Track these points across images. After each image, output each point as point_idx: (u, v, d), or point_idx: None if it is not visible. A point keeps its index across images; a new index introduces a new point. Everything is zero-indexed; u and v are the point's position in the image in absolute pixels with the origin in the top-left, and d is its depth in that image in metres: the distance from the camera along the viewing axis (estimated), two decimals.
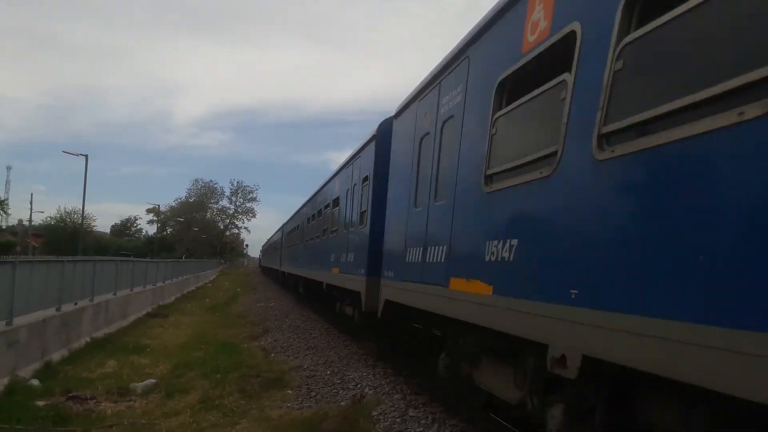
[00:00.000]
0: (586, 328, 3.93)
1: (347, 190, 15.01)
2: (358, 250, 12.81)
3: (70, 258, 15.65)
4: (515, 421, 7.33)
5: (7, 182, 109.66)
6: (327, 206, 18.81)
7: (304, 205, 26.80)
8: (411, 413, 8.69)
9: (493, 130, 5.83)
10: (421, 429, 8.00)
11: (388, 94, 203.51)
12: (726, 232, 2.91)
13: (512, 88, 5.68)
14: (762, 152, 2.69)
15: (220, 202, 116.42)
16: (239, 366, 12.24)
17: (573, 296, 4.10)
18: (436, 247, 7.22)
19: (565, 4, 4.80)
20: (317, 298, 22.54)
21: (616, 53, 3.88)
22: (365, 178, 12.73)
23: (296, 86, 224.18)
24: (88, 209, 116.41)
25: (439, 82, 8.04)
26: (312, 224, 22.56)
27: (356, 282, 12.42)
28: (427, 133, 8.09)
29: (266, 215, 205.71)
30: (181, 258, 68.48)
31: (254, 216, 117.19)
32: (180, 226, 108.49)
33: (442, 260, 6.89)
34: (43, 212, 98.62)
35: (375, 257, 10.97)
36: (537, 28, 5.16)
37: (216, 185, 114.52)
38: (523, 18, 5.44)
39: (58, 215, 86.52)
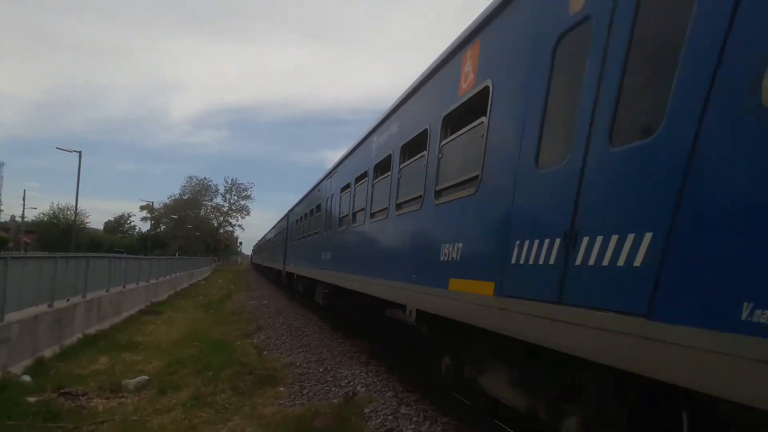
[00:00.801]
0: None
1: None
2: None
3: (62, 254, 15.59)
4: (522, 428, 6.81)
5: (0, 178, 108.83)
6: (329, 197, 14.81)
7: (307, 194, 20.30)
8: (403, 411, 8.72)
9: (440, 155, 7.27)
10: (413, 426, 8.03)
11: (386, 94, 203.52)
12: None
13: (453, 123, 6.94)
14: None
15: (215, 200, 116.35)
16: (232, 363, 12.23)
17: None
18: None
19: (483, 64, 6.18)
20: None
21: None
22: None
23: (293, 84, 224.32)
24: (82, 206, 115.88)
25: (398, 114, 9.73)
26: (318, 216, 17.09)
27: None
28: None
29: (260, 214, 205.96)
30: (175, 255, 68.32)
31: (248, 214, 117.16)
32: (174, 224, 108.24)
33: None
34: (36, 209, 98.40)
35: None
36: (467, 78, 6.51)
37: (210, 182, 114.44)
38: (459, 69, 6.77)
39: (51, 212, 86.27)
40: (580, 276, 3.95)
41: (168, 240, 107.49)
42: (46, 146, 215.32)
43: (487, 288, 5.34)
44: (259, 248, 74.61)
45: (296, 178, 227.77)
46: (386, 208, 9.79)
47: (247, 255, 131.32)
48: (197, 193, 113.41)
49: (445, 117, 7.09)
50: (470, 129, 6.34)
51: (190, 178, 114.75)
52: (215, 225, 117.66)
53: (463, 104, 6.60)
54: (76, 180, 46.27)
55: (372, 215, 10.93)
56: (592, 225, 3.91)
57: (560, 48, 4.63)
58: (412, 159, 8.52)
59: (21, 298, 11.49)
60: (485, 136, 5.82)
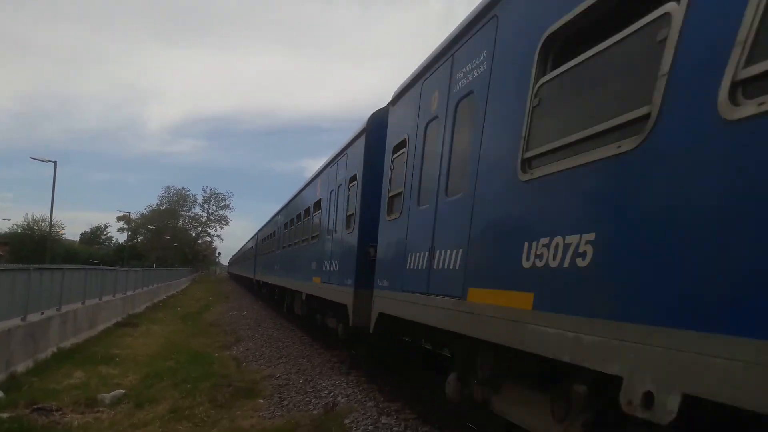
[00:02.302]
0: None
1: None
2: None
3: (36, 266, 15.32)
4: None
5: None
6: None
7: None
8: (384, 420, 8.66)
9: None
10: None
11: (366, 102, 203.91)
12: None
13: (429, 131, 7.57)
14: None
15: (193, 210, 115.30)
16: (210, 375, 12.09)
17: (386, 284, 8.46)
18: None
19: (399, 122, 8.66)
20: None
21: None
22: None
23: (272, 93, 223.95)
24: (57, 217, 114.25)
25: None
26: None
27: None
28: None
29: (240, 223, 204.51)
30: (152, 266, 67.56)
31: (227, 224, 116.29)
32: (151, 234, 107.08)
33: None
34: (9, 220, 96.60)
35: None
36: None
37: (188, 192, 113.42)
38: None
39: (26, 223, 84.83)
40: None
41: (145, 251, 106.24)
42: (20, 156, 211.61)
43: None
44: (235, 260, 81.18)
45: (276, 187, 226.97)
46: (304, 239, 17.21)
47: (226, 266, 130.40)
48: (175, 204, 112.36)
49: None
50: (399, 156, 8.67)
51: (168, 188, 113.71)
52: (193, 235, 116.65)
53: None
54: (51, 190, 45.61)
55: (298, 242, 18.52)
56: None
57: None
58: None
59: None
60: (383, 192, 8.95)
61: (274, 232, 27.89)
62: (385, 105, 9.72)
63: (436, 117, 6.92)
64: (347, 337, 12.44)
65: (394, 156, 8.62)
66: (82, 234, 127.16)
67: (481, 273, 5.33)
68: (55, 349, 14.38)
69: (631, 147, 3.42)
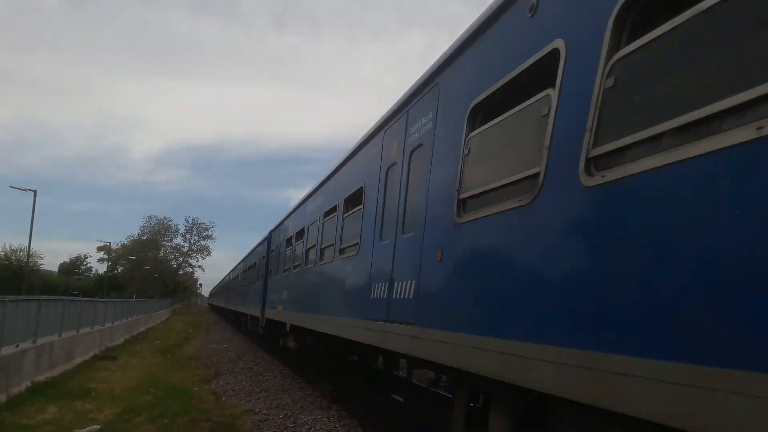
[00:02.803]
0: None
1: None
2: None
3: (11, 298, 15.02)
4: None
5: None
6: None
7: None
8: None
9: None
10: None
11: (349, 133, 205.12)
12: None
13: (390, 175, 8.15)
14: None
15: (174, 240, 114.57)
16: (189, 410, 11.85)
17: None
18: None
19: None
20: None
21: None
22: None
23: (256, 123, 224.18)
24: (36, 247, 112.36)
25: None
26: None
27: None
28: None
29: (223, 254, 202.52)
30: (132, 298, 66.63)
31: (209, 254, 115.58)
32: (131, 265, 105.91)
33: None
34: None
35: None
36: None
37: (170, 222, 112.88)
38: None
39: (3, 253, 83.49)
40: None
41: (125, 282, 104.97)
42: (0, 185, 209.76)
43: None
44: (215, 292, 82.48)
45: (260, 217, 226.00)
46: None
47: (207, 297, 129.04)
48: (156, 234, 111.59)
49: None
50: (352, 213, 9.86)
51: (150, 217, 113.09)
52: (174, 266, 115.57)
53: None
54: (30, 220, 45.06)
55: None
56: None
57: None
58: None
59: None
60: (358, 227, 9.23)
61: (242, 269, 33.55)
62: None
63: (395, 163, 7.74)
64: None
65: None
66: (61, 264, 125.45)
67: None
68: (29, 383, 14.04)
69: (528, 201, 4.10)
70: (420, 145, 6.79)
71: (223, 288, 62.21)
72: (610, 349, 3.14)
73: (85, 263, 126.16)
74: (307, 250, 13.87)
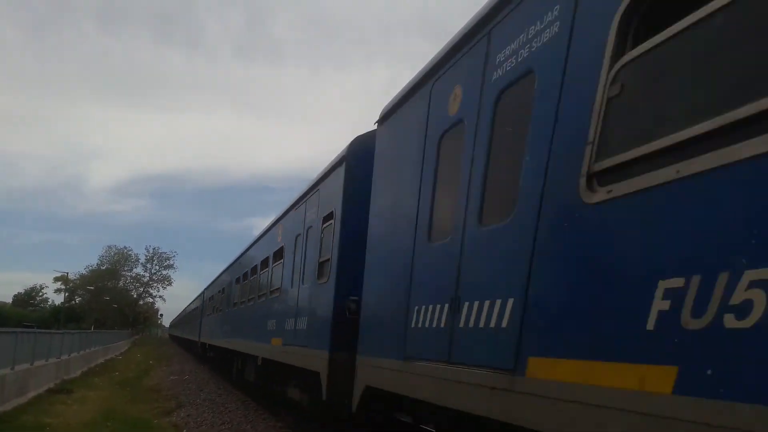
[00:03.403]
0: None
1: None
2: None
3: None
4: None
5: None
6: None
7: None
8: None
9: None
10: None
11: (313, 162, 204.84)
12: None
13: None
14: None
15: (134, 270, 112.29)
16: None
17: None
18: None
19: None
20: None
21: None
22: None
23: (219, 153, 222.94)
24: None
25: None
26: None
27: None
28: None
29: (184, 284, 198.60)
30: (90, 329, 64.85)
31: (170, 284, 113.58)
32: (90, 295, 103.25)
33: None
34: None
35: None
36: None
37: (130, 251, 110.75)
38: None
39: None
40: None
41: (83, 313, 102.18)
42: None
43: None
44: (178, 321, 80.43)
45: (222, 247, 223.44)
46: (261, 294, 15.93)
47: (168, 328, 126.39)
48: (116, 263, 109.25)
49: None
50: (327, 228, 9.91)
51: (109, 247, 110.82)
52: (135, 296, 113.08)
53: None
54: None
55: (253, 298, 17.28)
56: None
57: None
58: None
59: None
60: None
61: (223, 288, 26.36)
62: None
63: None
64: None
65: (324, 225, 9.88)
66: (15, 296, 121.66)
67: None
68: None
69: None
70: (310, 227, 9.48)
71: (180, 321, 71.43)
72: None
73: (41, 294, 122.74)
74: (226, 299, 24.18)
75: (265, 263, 15.88)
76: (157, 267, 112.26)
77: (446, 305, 4.95)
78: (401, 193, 6.56)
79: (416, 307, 5.60)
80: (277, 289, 13.59)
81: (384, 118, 7.53)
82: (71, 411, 16.47)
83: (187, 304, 63.71)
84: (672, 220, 2.80)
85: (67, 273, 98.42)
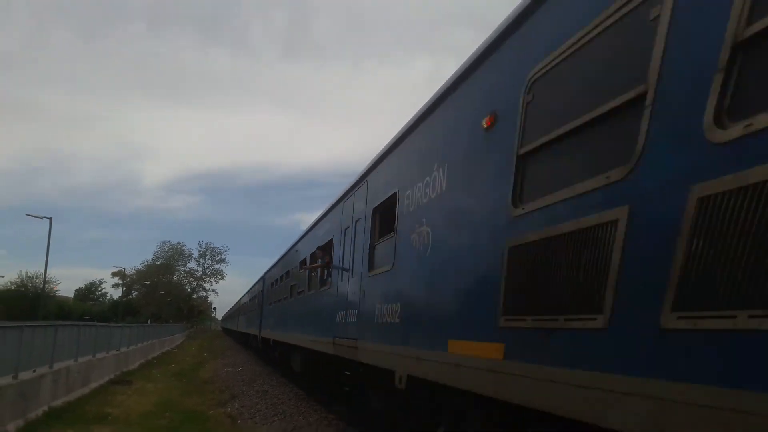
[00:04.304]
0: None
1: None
2: None
3: (28, 323, 15.14)
4: None
5: None
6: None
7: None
8: None
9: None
10: None
11: (357, 156, 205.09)
12: None
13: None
14: None
15: (188, 265, 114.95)
16: None
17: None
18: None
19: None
20: None
21: None
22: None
23: (266, 149, 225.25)
24: (52, 274, 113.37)
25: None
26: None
27: None
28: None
29: (235, 278, 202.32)
30: (147, 322, 66.78)
31: (222, 278, 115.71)
32: (146, 290, 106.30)
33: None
34: (3, 277, 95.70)
35: None
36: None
37: (184, 247, 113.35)
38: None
39: (20, 280, 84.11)
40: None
41: (140, 307, 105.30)
42: (15, 214, 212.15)
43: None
44: (228, 316, 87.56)
45: (271, 241, 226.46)
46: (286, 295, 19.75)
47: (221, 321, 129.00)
48: (170, 258, 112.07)
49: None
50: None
51: (164, 243, 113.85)
52: (188, 290, 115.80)
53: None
54: (46, 247, 45.49)
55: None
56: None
57: (345, 236, 10.67)
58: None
59: None
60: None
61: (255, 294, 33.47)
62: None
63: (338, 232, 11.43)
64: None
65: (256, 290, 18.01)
66: (76, 290, 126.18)
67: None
68: (46, 408, 14.07)
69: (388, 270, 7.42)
70: (348, 227, 10.59)
71: (234, 313, 69.29)
72: None
73: (100, 289, 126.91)
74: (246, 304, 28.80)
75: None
76: (210, 261, 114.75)
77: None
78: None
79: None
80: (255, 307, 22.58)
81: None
82: (131, 401, 17.02)
83: (240, 296, 64.48)
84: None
85: (124, 268, 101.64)
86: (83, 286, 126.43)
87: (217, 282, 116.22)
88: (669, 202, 2.81)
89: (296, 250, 18.85)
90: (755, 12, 2.46)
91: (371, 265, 8.49)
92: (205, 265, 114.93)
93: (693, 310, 2.61)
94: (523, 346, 4.07)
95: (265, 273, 32.32)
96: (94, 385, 19.30)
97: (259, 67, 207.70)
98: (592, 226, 3.35)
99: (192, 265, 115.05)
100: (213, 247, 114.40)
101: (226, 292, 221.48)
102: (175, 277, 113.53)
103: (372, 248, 8.62)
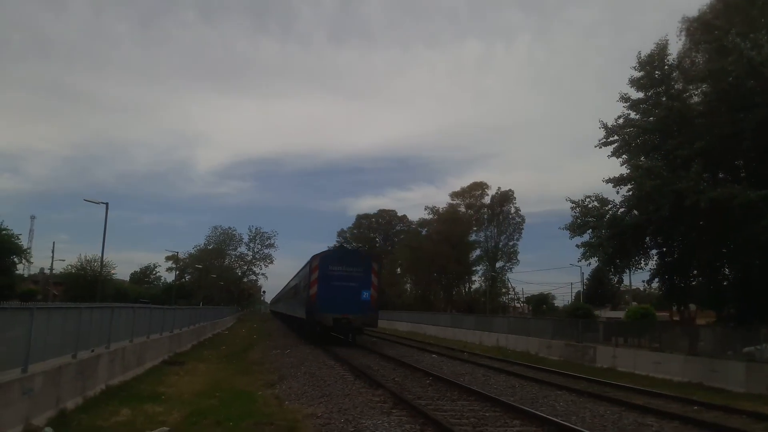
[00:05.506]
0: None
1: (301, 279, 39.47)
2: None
3: (86, 305, 15.75)
4: None
5: (31, 231, 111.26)
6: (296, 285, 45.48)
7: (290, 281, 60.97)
8: None
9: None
10: None
11: (405, 141, 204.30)
12: None
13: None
14: None
15: (239, 249, 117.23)
16: (253, 414, 12.13)
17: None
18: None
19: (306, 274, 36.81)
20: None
21: None
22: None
23: (314, 135, 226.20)
24: (109, 258, 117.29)
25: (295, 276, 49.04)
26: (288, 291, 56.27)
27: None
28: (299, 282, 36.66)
29: (284, 262, 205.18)
30: (199, 305, 68.58)
31: (272, 262, 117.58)
32: (198, 273, 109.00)
33: None
34: (64, 260, 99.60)
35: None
36: (312, 273, 34.00)
37: (234, 232, 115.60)
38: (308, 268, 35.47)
39: (79, 263, 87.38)
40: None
41: (193, 290, 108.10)
42: (75, 200, 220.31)
43: None
44: (276, 300, 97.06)
45: (319, 226, 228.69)
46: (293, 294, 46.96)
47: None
48: (222, 243, 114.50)
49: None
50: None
51: (215, 228, 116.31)
52: (239, 274, 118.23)
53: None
54: (103, 231, 47.05)
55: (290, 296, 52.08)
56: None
57: (301, 284, 38.83)
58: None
59: (45, 348, 11.57)
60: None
61: (293, 287, 53.51)
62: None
63: (300, 281, 36.26)
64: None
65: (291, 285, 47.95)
66: (132, 274, 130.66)
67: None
68: (103, 387, 14.65)
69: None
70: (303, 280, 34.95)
71: (280, 297, 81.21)
72: None
73: (154, 272, 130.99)
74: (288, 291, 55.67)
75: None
76: (259, 246, 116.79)
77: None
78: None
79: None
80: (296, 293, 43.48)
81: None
82: (183, 382, 17.57)
83: (286, 282, 67.52)
84: None
85: (178, 252, 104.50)
86: (138, 270, 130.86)
87: (266, 266, 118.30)
88: None
89: (294, 280, 47.49)
90: None
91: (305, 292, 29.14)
92: (255, 250, 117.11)
93: None
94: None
95: (282, 288, 72.46)
96: (148, 365, 19.97)
97: (307, 54, 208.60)
98: None
99: (242, 249, 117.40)
100: (263, 232, 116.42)
101: (275, 276, 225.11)
102: (227, 261, 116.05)
103: (306, 287, 30.31)
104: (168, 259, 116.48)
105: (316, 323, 31.24)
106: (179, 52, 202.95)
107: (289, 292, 51.22)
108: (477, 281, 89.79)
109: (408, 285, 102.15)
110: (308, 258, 35.03)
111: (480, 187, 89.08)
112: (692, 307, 35.59)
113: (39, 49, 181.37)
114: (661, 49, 27.49)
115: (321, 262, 31.59)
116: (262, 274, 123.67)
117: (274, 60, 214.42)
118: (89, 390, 13.66)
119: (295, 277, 47.49)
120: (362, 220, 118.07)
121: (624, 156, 28.32)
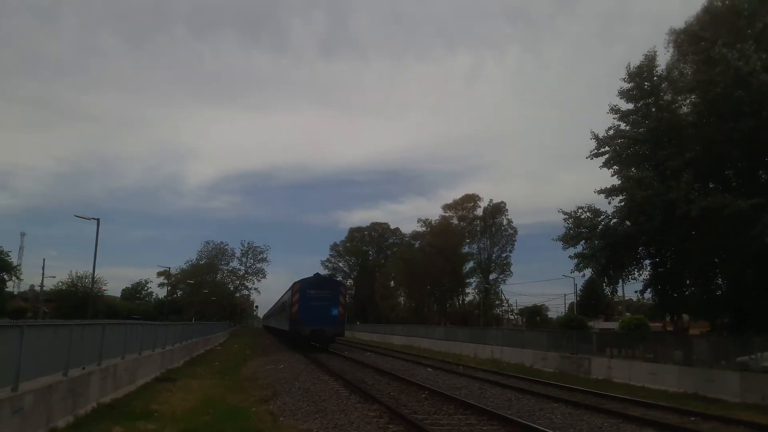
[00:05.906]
0: None
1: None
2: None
3: (77, 322, 15.56)
4: None
5: (21, 248, 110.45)
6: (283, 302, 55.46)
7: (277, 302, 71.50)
8: None
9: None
10: None
11: (396, 154, 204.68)
12: None
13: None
14: None
15: (231, 264, 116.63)
16: (247, 430, 11.98)
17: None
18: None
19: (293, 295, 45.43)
20: None
21: None
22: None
23: (305, 149, 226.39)
24: (100, 274, 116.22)
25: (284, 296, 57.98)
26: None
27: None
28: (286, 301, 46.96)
29: (276, 277, 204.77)
30: (191, 321, 68.13)
31: (264, 276, 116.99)
32: (190, 289, 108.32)
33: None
34: (54, 277, 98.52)
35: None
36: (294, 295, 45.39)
37: (227, 246, 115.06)
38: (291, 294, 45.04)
39: (70, 280, 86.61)
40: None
41: (185, 305, 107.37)
42: (64, 215, 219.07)
43: None
44: (267, 315, 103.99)
45: (312, 240, 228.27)
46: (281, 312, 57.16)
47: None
48: (214, 258, 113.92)
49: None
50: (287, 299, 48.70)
51: (207, 242, 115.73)
52: (231, 289, 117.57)
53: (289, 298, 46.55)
54: (94, 248, 46.76)
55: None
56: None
57: (285, 303, 49.94)
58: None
59: (36, 366, 11.40)
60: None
61: (278, 306, 67.95)
62: None
63: (286, 301, 46.71)
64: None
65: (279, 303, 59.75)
66: (123, 290, 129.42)
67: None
68: (95, 405, 14.45)
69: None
70: (287, 299, 45.75)
71: (270, 314, 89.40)
72: None
73: (146, 288, 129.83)
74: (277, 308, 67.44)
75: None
76: (252, 260, 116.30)
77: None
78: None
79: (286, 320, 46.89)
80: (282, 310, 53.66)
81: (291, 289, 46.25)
82: (176, 398, 17.37)
83: (278, 298, 69.93)
84: None
85: (169, 268, 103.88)
86: (130, 286, 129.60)
87: (259, 281, 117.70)
88: None
89: (281, 300, 58.91)
90: None
91: (289, 310, 41.35)
92: (248, 264, 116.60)
93: None
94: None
95: (272, 306, 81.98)
96: (140, 382, 19.75)
97: (299, 67, 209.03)
98: None
99: (234, 264, 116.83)
100: (255, 246, 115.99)
101: (268, 291, 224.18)
102: (219, 276, 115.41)
103: (289, 306, 41.21)
104: (160, 274, 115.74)
105: (297, 333, 40.48)
106: (170, 67, 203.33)
107: (278, 309, 64.82)
108: (470, 293, 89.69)
109: (402, 298, 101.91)
110: (297, 278, 46.60)
111: (472, 199, 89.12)
112: (685, 317, 35.62)
113: (29, 63, 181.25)
114: (650, 60, 27.71)
115: (301, 287, 41.42)
116: (255, 289, 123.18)
117: (265, 73, 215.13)
118: (80, 408, 13.47)
119: (281, 297, 61.54)
120: (355, 233, 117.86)
121: (615, 167, 28.40)
